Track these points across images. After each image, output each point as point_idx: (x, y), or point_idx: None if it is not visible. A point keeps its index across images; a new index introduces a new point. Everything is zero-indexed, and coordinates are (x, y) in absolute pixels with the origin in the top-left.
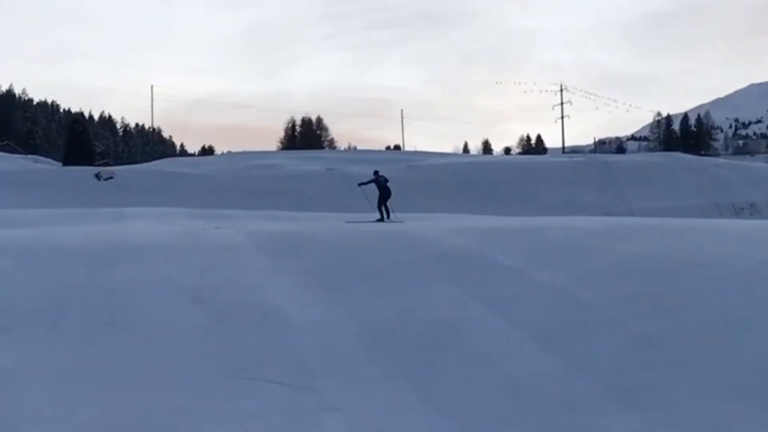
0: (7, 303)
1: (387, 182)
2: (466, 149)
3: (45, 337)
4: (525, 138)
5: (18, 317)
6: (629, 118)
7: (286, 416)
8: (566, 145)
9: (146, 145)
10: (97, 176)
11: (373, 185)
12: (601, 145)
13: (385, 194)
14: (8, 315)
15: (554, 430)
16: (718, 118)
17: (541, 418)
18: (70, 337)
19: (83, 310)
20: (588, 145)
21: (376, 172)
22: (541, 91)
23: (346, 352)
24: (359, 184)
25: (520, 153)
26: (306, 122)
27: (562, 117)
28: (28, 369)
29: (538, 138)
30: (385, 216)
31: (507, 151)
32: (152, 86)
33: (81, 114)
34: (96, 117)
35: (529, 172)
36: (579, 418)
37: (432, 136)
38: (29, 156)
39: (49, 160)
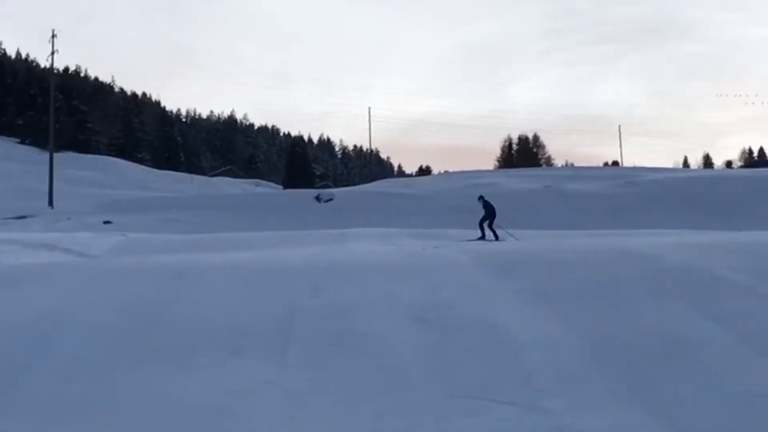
0: (237, 325)
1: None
2: (686, 163)
3: (275, 358)
4: (747, 151)
5: (248, 339)
6: None
7: None
8: None
9: (364, 166)
10: (318, 198)
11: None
12: None
13: (488, 214)
14: (239, 337)
15: None
16: None
17: None
18: (299, 359)
19: (310, 331)
20: None
21: (481, 197)
22: (763, 103)
23: (574, 369)
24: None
25: (741, 166)
26: (523, 140)
27: None
28: (260, 391)
29: (761, 150)
30: (488, 235)
31: (728, 164)
32: (369, 108)
33: (300, 137)
34: (315, 140)
35: (750, 185)
36: None
37: (650, 151)
38: (251, 180)
39: (270, 183)
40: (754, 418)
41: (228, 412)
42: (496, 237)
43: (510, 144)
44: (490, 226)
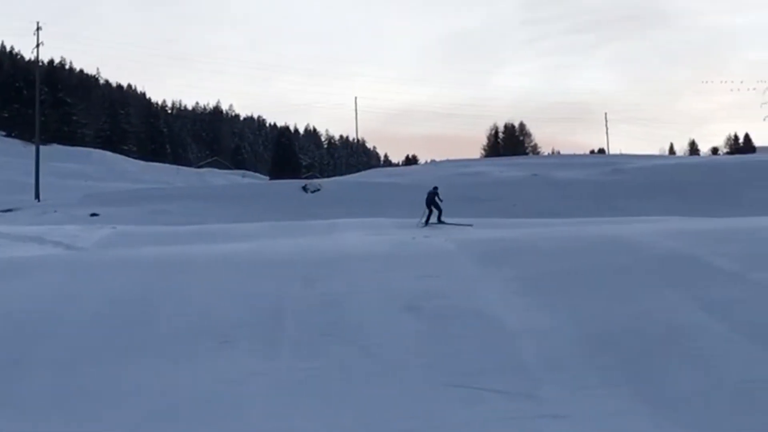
0: (228, 316)
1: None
2: (672, 150)
3: (265, 349)
4: (732, 137)
5: (240, 330)
6: None
7: (507, 424)
8: None
9: (351, 156)
10: (305, 189)
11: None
12: None
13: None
14: (230, 328)
15: None
16: None
17: None
18: (290, 349)
19: (301, 321)
20: None
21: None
22: (748, 89)
23: (567, 358)
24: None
25: (727, 153)
26: (509, 128)
27: None
28: (251, 381)
29: (746, 137)
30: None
31: (714, 151)
32: (356, 98)
33: (286, 128)
34: (301, 130)
35: (738, 171)
36: None
37: (636, 139)
38: (237, 171)
39: (256, 174)
40: (747, 404)
41: (221, 403)
42: (426, 223)
43: (496, 132)
44: (435, 218)
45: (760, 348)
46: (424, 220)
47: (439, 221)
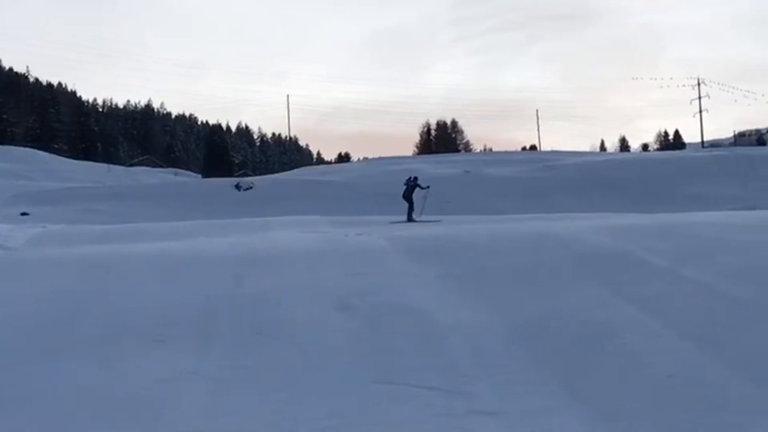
0: (159, 314)
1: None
2: (603, 147)
3: (197, 347)
4: (663, 134)
5: (172, 329)
6: None
7: (438, 420)
8: (705, 139)
9: (283, 154)
10: (237, 187)
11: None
12: (740, 138)
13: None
14: (163, 327)
15: (709, 430)
16: None
17: (697, 418)
18: (222, 348)
19: (233, 320)
20: (727, 139)
21: (415, 178)
22: (678, 86)
23: (498, 354)
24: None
25: (657, 149)
26: (441, 126)
27: (701, 111)
28: (183, 380)
29: (676, 133)
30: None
31: (644, 147)
32: (288, 95)
33: (219, 126)
34: (233, 128)
35: (668, 167)
36: (734, 418)
37: (567, 136)
38: (170, 169)
39: (188, 172)
40: (676, 400)
41: (152, 402)
42: (410, 218)
43: (428, 130)
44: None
45: (689, 344)
46: (407, 215)
47: (409, 218)
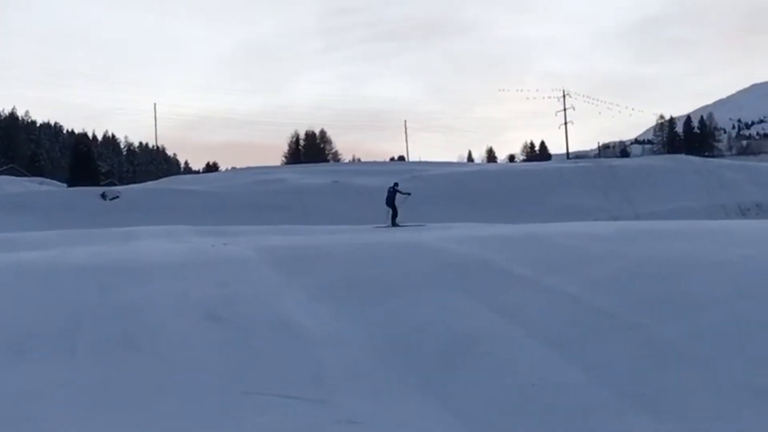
0: (22, 325)
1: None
2: (470, 158)
3: (62, 359)
4: (529, 145)
5: (34, 340)
6: (632, 122)
7: (303, 430)
8: (570, 150)
9: (150, 163)
10: (103, 196)
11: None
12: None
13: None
14: (24, 337)
15: None
16: (721, 119)
17: (561, 424)
18: (87, 359)
19: (98, 331)
20: (592, 150)
21: (395, 184)
22: (543, 98)
23: (364, 365)
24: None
25: (524, 160)
26: (309, 136)
27: (566, 123)
28: (47, 392)
29: (542, 144)
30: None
31: (511, 158)
32: (155, 104)
33: (85, 134)
34: (100, 137)
35: (534, 178)
36: (597, 424)
37: (435, 146)
38: (34, 178)
39: (54, 181)
40: (541, 407)
41: (17, 416)
42: (393, 223)
43: (297, 140)
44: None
45: (553, 351)
46: (389, 221)
47: (393, 223)
